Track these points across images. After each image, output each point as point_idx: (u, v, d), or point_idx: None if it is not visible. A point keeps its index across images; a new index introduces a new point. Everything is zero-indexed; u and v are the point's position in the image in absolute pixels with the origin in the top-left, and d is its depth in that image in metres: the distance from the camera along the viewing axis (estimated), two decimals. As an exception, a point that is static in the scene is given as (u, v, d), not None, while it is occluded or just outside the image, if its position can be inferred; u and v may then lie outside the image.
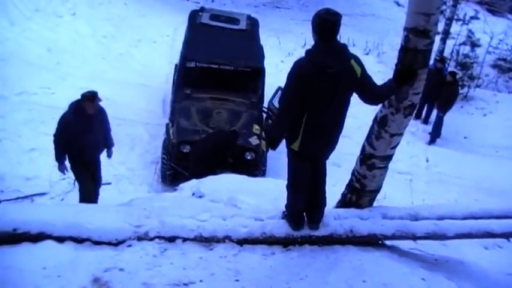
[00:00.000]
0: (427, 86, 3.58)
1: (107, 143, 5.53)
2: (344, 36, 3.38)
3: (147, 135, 7.84)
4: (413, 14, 3.23)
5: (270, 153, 7.07)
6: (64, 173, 5.35)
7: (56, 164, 5.26)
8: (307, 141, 3.29)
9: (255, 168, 6.69)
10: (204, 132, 6.66)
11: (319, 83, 3.10)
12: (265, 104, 7.43)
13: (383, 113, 3.62)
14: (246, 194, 4.48)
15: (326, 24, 3.10)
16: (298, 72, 3.12)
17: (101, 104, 5.25)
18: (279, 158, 7.19)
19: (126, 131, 7.68)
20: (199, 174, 5.21)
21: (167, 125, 7.18)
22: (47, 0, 10.55)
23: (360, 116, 8.54)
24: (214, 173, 5.45)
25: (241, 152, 6.73)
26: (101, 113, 5.29)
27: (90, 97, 5.04)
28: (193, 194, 4.61)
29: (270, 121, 7.21)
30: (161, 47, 10.63)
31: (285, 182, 3.68)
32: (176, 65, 8.16)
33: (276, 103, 7.07)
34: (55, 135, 5.12)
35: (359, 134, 6.39)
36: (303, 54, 3.22)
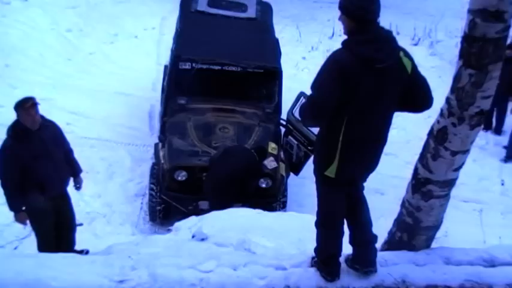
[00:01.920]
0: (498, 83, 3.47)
1: (72, 170, 5.36)
2: (384, 21, 3.31)
3: (130, 160, 7.84)
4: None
5: (292, 179, 7.23)
6: (25, 224, 5.19)
7: (10, 212, 5.07)
8: (346, 163, 3.30)
9: (273, 199, 6.71)
10: (205, 154, 6.68)
11: (365, 83, 3.09)
12: (284, 115, 7.54)
13: (441, 124, 3.60)
14: (262, 234, 4.52)
15: (363, 2, 3.08)
16: (338, 68, 3.08)
17: (52, 116, 5.12)
18: (302, 184, 7.54)
19: (102, 155, 7.65)
20: (217, 209, 5.21)
21: (156, 145, 7.21)
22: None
23: (408, 127, 8.74)
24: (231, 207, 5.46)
25: (256, 179, 6.79)
26: (53, 129, 5.11)
27: (25, 105, 4.79)
28: (193, 236, 4.67)
29: (291, 138, 7.29)
30: (145, 44, 10.70)
31: (313, 218, 3.74)
32: (166, 67, 8.24)
33: (297, 114, 7.11)
34: (0, 176, 4.84)
35: (407, 151, 6.39)
36: (334, 48, 3.26)
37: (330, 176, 3.35)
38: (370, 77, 3.08)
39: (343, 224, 3.60)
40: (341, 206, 3.53)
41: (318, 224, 3.62)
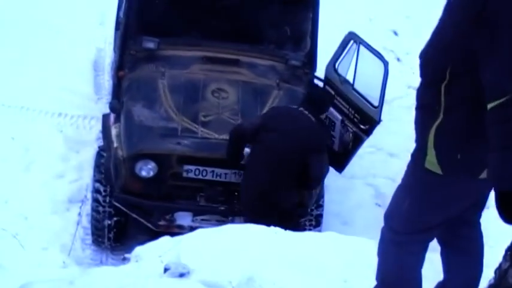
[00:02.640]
0: None
1: None
2: None
3: (61, 141, 7.65)
4: None
5: (332, 179, 7.04)
6: None
7: None
8: (462, 149, 3.41)
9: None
10: (189, 132, 6.50)
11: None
12: (321, 72, 7.37)
13: None
14: (280, 269, 4.46)
15: None
16: None
17: None
18: (348, 188, 7.44)
19: (12, 132, 7.52)
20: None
21: (105, 118, 7.04)
22: None
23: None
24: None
25: None
26: None
27: None
28: (166, 270, 4.52)
29: (331, 110, 6.95)
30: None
31: (368, 243, 4.01)
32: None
33: (340, 70, 6.92)
34: None
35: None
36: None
37: (431, 170, 3.47)
38: None
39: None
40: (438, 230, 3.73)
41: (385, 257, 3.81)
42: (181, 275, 4.42)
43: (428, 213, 3.64)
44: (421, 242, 3.71)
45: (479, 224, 3.90)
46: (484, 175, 3.41)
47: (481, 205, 3.83)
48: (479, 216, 3.89)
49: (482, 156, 3.32)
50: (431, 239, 3.78)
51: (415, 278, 3.82)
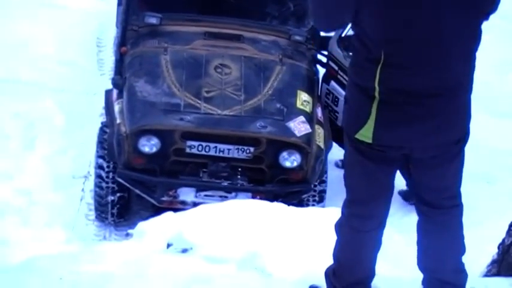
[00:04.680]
0: None
1: None
2: None
3: (62, 118, 7.69)
4: None
5: (336, 154, 7.06)
6: None
7: None
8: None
9: (303, 186, 6.57)
10: (192, 108, 6.51)
11: None
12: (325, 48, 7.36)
13: None
14: (283, 245, 4.52)
15: None
16: None
17: None
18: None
19: (14, 108, 7.54)
20: None
21: (108, 94, 7.02)
22: None
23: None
24: None
25: (274, 152, 6.48)
26: None
27: None
28: (169, 246, 4.63)
29: (334, 85, 7.06)
30: None
31: None
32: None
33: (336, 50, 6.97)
34: None
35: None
36: None
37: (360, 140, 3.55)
38: None
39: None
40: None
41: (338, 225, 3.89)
42: (184, 251, 4.47)
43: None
44: (357, 215, 3.69)
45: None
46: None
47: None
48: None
49: None
50: (366, 213, 3.71)
51: (358, 256, 3.81)
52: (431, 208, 3.70)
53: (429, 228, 3.80)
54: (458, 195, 3.70)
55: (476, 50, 3.42)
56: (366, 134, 3.46)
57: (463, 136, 3.57)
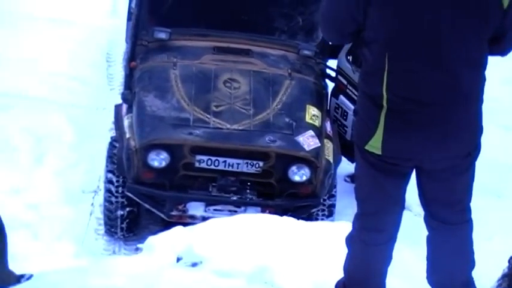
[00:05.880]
0: None
1: None
2: None
3: (72, 132, 7.67)
4: None
5: (345, 168, 7.05)
6: None
7: None
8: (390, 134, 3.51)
9: (313, 200, 6.51)
10: (201, 122, 6.48)
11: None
12: (333, 62, 7.36)
13: None
14: (293, 259, 4.48)
15: None
16: None
17: None
18: None
19: (24, 123, 7.51)
20: None
21: (118, 108, 7.00)
22: None
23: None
24: None
25: (284, 166, 6.42)
26: None
27: None
28: (178, 260, 4.61)
29: (343, 99, 7.03)
30: None
31: None
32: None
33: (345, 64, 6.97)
34: None
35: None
36: None
37: (369, 151, 3.56)
38: None
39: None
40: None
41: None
42: (194, 265, 4.45)
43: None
44: (367, 229, 3.68)
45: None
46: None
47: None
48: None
49: None
50: (377, 227, 3.70)
51: (369, 270, 3.79)
52: (441, 223, 3.69)
53: (439, 243, 3.80)
54: (468, 210, 3.69)
55: (483, 58, 3.41)
56: (375, 144, 3.45)
57: (473, 149, 3.55)
